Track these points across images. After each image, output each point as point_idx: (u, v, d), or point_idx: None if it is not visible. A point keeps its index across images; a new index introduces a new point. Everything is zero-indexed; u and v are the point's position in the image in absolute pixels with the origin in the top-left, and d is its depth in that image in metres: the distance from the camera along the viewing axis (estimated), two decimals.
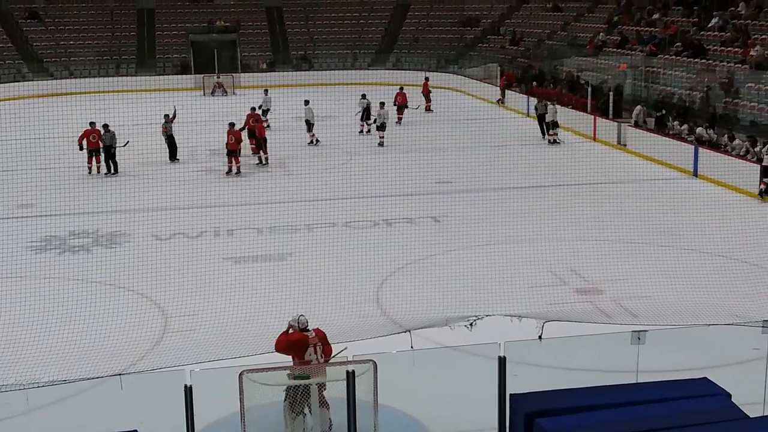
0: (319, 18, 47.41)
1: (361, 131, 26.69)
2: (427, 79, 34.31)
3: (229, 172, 21.48)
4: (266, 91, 30.06)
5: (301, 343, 8.14)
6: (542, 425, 6.61)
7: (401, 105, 28.90)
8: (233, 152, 21.42)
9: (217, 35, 45.44)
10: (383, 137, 24.79)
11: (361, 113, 26.91)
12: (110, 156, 21.53)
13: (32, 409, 7.93)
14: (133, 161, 21.98)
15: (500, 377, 7.45)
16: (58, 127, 25.38)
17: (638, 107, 24.91)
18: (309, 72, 43.34)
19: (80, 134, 21.50)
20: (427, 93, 32.73)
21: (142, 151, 21.23)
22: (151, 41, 45.74)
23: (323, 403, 7.92)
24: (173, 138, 22.96)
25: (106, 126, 21.73)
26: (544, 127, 26.02)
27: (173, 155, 22.95)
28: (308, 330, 8.21)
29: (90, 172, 21.29)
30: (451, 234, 15.61)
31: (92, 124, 21.60)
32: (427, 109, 32.08)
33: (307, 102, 25.65)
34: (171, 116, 23.06)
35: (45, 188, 18.64)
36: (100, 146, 21.40)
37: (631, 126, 24.38)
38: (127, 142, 21.76)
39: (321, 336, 8.25)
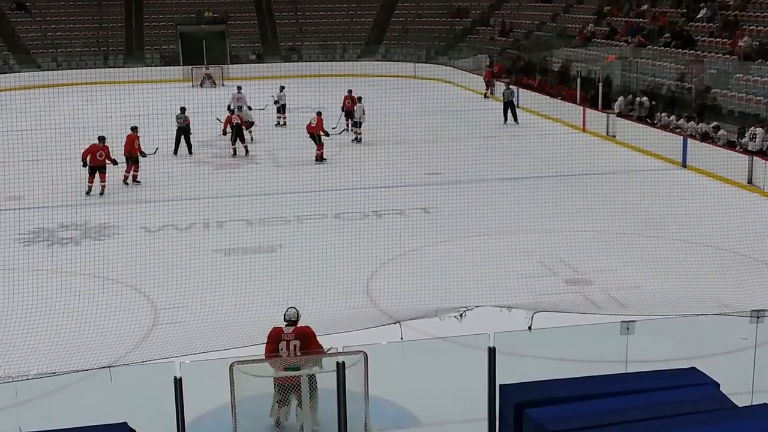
0: (308, 9, 47.27)
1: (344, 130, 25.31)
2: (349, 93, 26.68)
3: (235, 154, 22.41)
4: (282, 87, 27.88)
5: (273, 336, 8.14)
6: (532, 415, 6.63)
7: (350, 110, 25.64)
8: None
9: (206, 26, 45.25)
10: (359, 133, 24.63)
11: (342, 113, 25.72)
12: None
13: (21, 401, 7.90)
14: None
15: (490, 368, 7.47)
16: (46, 118, 25.26)
17: (620, 98, 25.02)
18: (298, 63, 43.23)
19: (85, 149, 18.92)
20: None
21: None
22: (140, 32, 45.50)
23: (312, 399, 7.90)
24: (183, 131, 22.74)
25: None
26: (510, 113, 27.44)
27: (177, 149, 22.78)
28: (292, 324, 8.17)
29: (89, 193, 18.46)
30: (442, 225, 15.63)
31: (101, 139, 19.02)
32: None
33: (282, 88, 27.12)
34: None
35: (33, 180, 18.56)
36: (106, 165, 18.77)
37: (619, 117, 24.45)
38: (157, 149, 20.36)
39: (302, 333, 8.13)
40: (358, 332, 8.41)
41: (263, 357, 8.08)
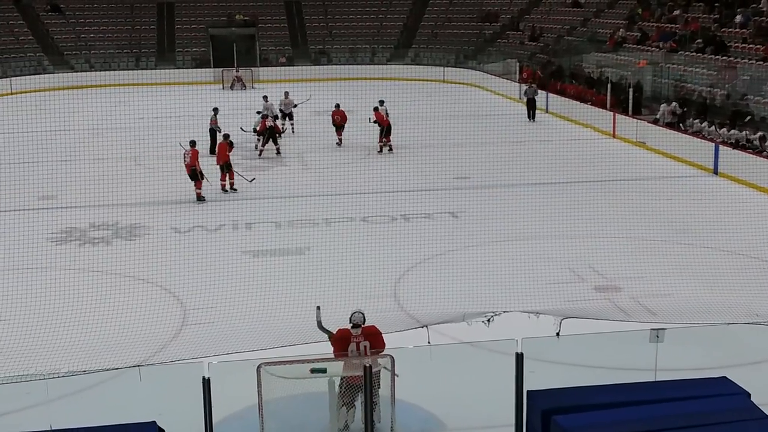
0: (338, 12, 47.41)
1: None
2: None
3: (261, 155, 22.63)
4: (287, 93, 27.00)
5: (341, 338, 8.20)
6: (559, 422, 6.60)
7: (340, 124, 24.42)
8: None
9: (237, 29, 45.55)
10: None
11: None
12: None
13: (52, 399, 8.00)
14: (153, 154, 22.10)
15: (517, 373, 7.44)
16: (78, 119, 25.57)
17: (663, 105, 24.76)
18: (327, 66, 43.38)
19: (188, 156, 18.12)
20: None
21: (162, 144, 21.31)
22: (171, 35, 45.92)
23: (349, 404, 7.93)
24: (215, 132, 22.78)
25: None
26: (533, 111, 28.70)
27: (214, 148, 22.83)
28: (360, 326, 8.24)
29: (229, 189, 18.82)
30: (469, 230, 15.59)
31: (193, 143, 18.52)
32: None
33: (287, 94, 26.54)
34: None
35: (65, 180, 18.81)
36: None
37: (650, 123, 24.25)
38: (253, 178, 19.58)
39: (370, 333, 8.25)
40: (385, 335, 8.41)
41: (291, 358, 8.11)
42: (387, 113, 24.01)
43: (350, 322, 8.27)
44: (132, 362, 8.77)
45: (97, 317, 10.70)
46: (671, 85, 27.34)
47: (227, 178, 18.94)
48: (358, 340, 8.19)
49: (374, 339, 8.22)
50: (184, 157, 18.30)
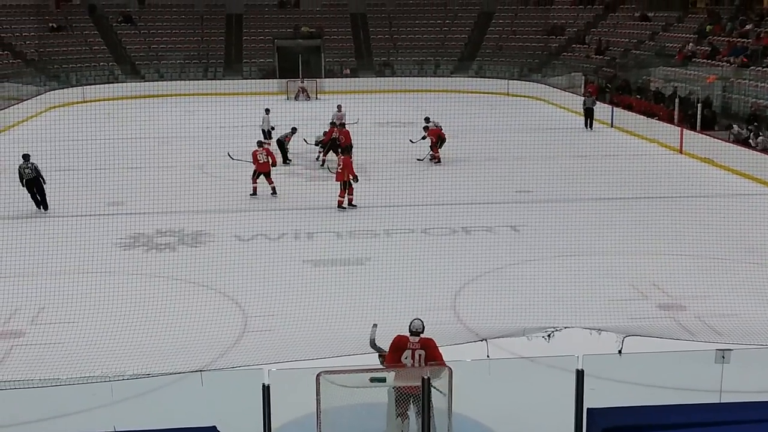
0: (402, 25, 47.62)
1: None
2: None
3: (323, 165, 22.47)
4: (267, 110, 26.25)
5: (398, 345, 8.19)
6: None
7: (345, 146, 21.41)
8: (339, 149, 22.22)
9: (303, 41, 46.11)
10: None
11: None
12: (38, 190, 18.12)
13: (116, 401, 8.17)
14: (218, 163, 22.47)
15: (578, 390, 7.34)
16: (147, 127, 26.19)
17: (735, 127, 24.23)
18: (391, 78, 43.57)
19: (259, 155, 19.31)
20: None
21: (227, 154, 21.61)
22: (239, 46, 46.72)
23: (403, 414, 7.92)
24: (282, 143, 23.11)
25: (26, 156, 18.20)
26: (590, 120, 29.66)
27: (285, 158, 23.20)
28: (418, 334, 8.23)
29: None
30: (530, 244, 15.46)
31: (261, 143, 20.03)
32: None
33: (339, 107, 26.25)
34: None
35: (134, 187, 19.26)
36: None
37: (720, 139, 23.73)
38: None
39: (426, 345, 8.20)
40: (443, 348, 8.39)
41: (350, 368, 8.15)
42: (437, 125, 24.13)
43: (409, 330, 8.27)
44: (194, 367, 8.90)
45: (161, 322, 10.91)
46: (742, 100, 26.71)
47: (346, 194, 18.16)
48: (413, 348, 8.14)
49: (431, 351, 8.18)
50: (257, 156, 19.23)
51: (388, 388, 7.82)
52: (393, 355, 8.19)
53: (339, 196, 18.21)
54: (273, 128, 25.35)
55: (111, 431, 7.09)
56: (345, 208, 18.16)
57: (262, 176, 19.36)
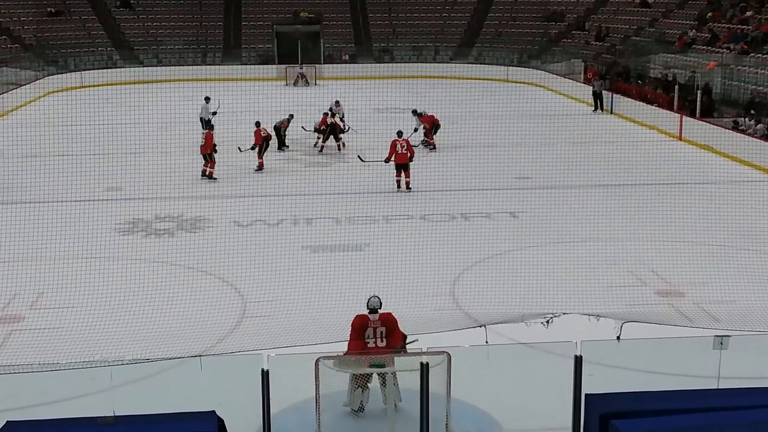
0: (401, 11, 47.44)
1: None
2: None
3: (321, 150, 22.79)
4: (207, 99, 25.42)
5: (359, 324, 8.30)
6: (618, 426, 6.51)
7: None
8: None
9: (301, 26, 45.96)
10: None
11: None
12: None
13: (115, 386, 8.18)
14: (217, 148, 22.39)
15: (576, 376, 7.35)
16: (146, 113, 26.11)
17: (740, 120, 24.16)
18: (390, 64, 43.46)
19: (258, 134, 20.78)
20: None
21: (225, 139, 21.59)
22: (237, 31, 46.56)
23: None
24: (279, 129, 23.03)
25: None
26: (599, 102, 30.44)
27: (282, 144, 23.17)
28: (376, 312, 8.32)
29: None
30: (529, 230, 15.46)
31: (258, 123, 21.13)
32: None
33: (338, 102, 25.52)
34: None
35: (132, 172, 19.24)
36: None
37: (719, 126, 23.71)
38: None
39: (387, 320, 8.34)
40: (442, 334, 8.41)
41: (348, 353, 8.17)
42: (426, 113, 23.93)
43: (367, 308, 8.35)
44: (193, 352, 8.93)
45: (160, 307, 10.91)
46: (742, 87, 26.67)
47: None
48: (374, 326, 8.27)
49: (391, 327, 8.31)
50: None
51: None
52: (356, 335, 8.29)
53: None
54: (215, 113, 24.40)
55: (110, 416, 7.10)
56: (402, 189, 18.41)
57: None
